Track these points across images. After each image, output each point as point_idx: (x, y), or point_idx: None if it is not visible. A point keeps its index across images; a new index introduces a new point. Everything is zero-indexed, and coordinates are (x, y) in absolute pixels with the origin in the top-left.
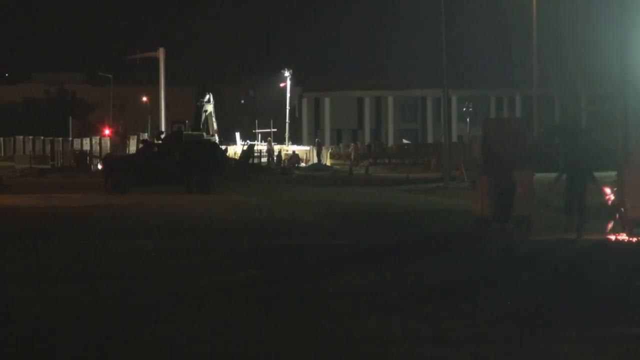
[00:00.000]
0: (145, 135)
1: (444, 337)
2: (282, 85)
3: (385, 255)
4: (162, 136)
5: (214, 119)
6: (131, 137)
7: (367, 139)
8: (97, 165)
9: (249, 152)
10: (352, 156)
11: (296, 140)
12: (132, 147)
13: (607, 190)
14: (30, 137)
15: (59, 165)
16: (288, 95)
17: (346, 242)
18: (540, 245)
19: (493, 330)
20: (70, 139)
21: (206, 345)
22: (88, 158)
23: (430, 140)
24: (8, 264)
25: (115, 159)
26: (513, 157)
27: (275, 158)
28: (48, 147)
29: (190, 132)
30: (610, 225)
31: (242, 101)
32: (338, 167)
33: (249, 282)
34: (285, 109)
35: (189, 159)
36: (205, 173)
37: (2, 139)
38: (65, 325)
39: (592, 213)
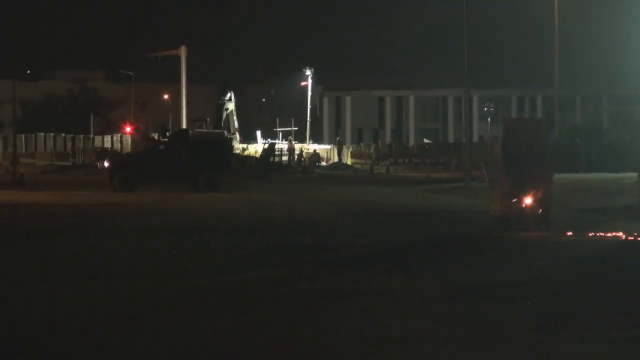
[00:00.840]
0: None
1: (464, 337)
2: (303, 84)
3: (406, 255)
4: (168, 134)
5: (235, 118)
6: (152, 134)
7: (388, 138)
8: (103, 163)
9: (269, 151)
10: (372, 156)
11: (317, 139)
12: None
13: None
14: (52, 134)
15: (80, 162)
16: (309, 94)
17: (367, 241)
18: (560, 246)
19: (515, 331)
20: (92, 136)
21: (221, 344)
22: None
23: (451, 140)
24: (24, 261)
25: (123, 157)
26: (533, 157)
27: (296, 157)
28: (69, 145)
29: (204, 130)
30: None
31: (263, 100)
32: (359, 166)
33: (268, 280)
34: (307, 107)
35: (195, 157)
36: (213, 171)
37: (23, 135)
38: (86, 323)
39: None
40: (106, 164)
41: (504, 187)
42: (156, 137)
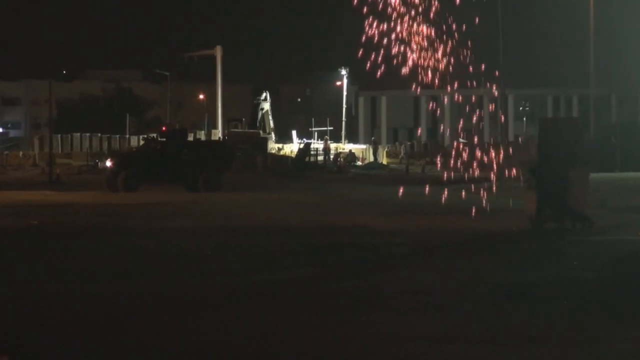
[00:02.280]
0: (202, 133)
1: (498, 336)
2: (338, 84)
3: (442, 254)
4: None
5: (270, 117)
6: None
7: (423, 137)
8: (105, 162)
9: (305, 151)
10: (402, 154)
11: (352, 138)
12: None
13: None
14: (87, 134)
15: None
16: (345, 93)
17: (403, 240)
18: (596, 245)
19: (549, 330)
20: (127, 136)
21: (259, 343)
22: None
23: (486, 139)
24: (68, 260)
25: (127, 156)
26: (569, 157)
27: (332, 157)
28: (105, 144)
29: (239, 130)
30: None
31: (299, 100)
32: (394, 165)
33: (306, 279)
34: (342, 107)
35: (196, 157)
36: (213, 171)
37: (59, 136)
38: (130, 322)
39: None
40: (108, 163)
41: (540, 186)
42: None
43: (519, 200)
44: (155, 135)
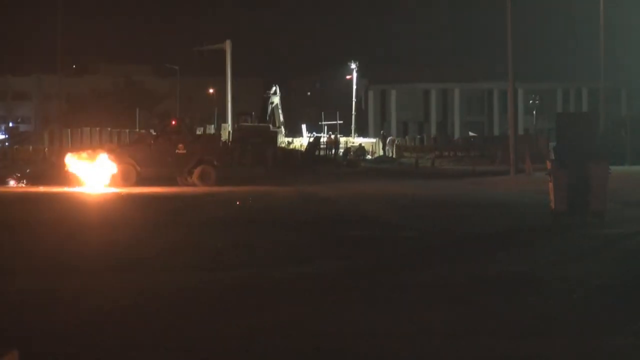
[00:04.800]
0: (212, 128)
1: (506, 329)
2: (348, 77)
3: (455, 247)
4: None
5: (280, 111)
6: (197, 128)
7: (433, 131)
8: None
9: (315, 144)
10: (392, 147)
11: (362, 132)
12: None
13: None
14: (97, 128)
15: None
16: (354, 87)
17: (413, 234)
18: (614, 239)
19: (558, 323)
20: (137, 130)
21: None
22: None
23: (496, 132)
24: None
25: (124, 150)
26: (587, 151)
27: (340, 150)
28: (115, 139)
29: (249, 124)
30: None
31: (309, 93)
32: (404, 159)
33: (321, 273)
34: (352, 101)
35: (190, 151)
36: (208, 166)
37: (69, 130)
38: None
39: None
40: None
41: (559, 180)
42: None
43: (529, 193)
44: (150, 130)
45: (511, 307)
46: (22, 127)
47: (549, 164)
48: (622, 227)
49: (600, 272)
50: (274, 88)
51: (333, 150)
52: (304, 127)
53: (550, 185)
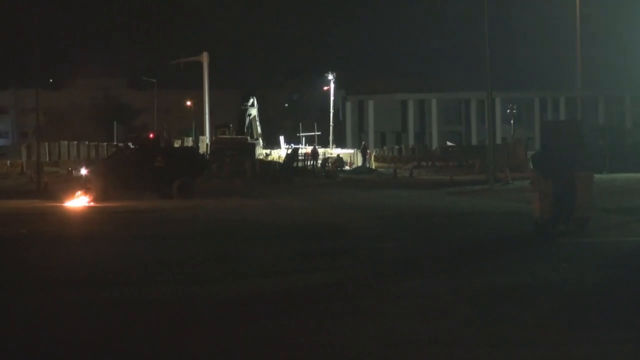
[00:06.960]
0: (190, 140)
1: (487, 340)
2: (325, 88)
3: (434, 258)
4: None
5: (258, 123)
6: (175, 141)
7: (411, 141)
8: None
9: (293, 156)
10: (368, 158)
11: (340, 143)
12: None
13: None
14: (75, 142)
15: None
16: (332, 98)
17: (394, 245)
18: (592, 247)
19: (539, 332)
20: (115, 143)
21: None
22: None
23: (474, 142)
24: (51, 268)
25: (101, 164)
26: (572, 159)
27: (318, 162)
28: (93, 152)
29: (227, 136)
30: None
31: (286, 105)
32: (382, 169)
33: (299, 286)
34: (329, 112)
35: (169, 164)
36: (187, 178)
37: (47, 144)
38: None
39: None
40: (83, 172)
41: (544, 189)
42: (129, 145)
43: (507, 202)
44: (128, 143)
45: (491, 318)
46: (0, 142)
47: (531, 173)
48: (605, 235)
49: (583, 281)
50: (251, 100)
51: (312, 162)
52: (281, 138)
53: (534, 194)
